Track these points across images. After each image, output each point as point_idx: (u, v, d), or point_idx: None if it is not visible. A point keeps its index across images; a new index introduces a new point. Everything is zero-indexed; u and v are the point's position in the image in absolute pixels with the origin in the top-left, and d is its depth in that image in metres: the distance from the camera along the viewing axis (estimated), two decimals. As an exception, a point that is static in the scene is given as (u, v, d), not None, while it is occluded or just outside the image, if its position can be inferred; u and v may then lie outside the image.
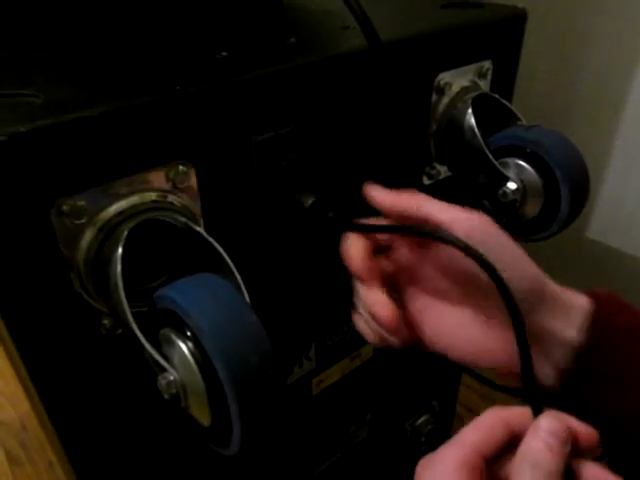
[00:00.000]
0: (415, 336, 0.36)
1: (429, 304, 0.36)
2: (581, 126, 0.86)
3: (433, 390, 0.71)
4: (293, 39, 0.41)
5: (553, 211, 0.44)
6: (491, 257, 0.29)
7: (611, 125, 0.83)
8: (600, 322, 0.31)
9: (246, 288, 0.32)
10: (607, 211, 0.89)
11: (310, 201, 0.38)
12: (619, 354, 0.31)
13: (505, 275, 0.29)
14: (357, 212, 0.44)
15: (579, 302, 0.33)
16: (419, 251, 0.35)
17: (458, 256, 0.30)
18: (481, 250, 0.29)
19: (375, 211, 0.36)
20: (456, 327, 0.35)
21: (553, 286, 0.33)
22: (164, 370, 0.28)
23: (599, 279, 0.94)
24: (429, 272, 0.35)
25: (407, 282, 0.37)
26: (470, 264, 0.30)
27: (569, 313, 0.32)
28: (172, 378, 0.28)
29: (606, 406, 0.32)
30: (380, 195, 0.34)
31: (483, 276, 0.29)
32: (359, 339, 0.54)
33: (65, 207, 0.29)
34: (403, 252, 0.36)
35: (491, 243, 0.30)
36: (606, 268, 0.93)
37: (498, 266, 0.29)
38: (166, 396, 0.28)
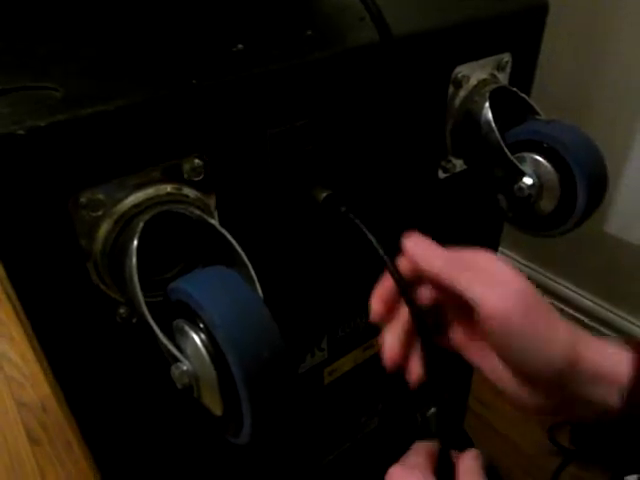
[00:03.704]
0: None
1: (474, 352, 0.36)
2: (602, 120, 0.85)
3: (446, 382, 0.71)
4: (310, 32, 0.40)
5: (569, 207, 0.44)
6: (519, 339, 0.30)
7: (632, 119, 0.82)
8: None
9: (259, 280, 0.32)
10: (626, 206, 0.88)
11: (323, 195, 0.38)
12: None
13: (536, 355, 0.30)
14: (370, 207, 0.44)
15: (620, 370, 0.31)
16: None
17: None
18: (509, 333, 0.30)
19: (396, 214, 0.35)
20: (495, 375, 0.34)
21: (592, 352, 0.31)
22: (177, 360, 0.29)
23: (617, 275, 0.93)
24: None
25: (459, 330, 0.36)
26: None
27: (610, 383, 0.31)
28: (185, 368, 0.29)
29: None
30: (417, 253, 0.33)
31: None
32: (371, 330, 0.55)
33: (83, 199, 0.29)
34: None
35: (520, 325, 0.30)
36: (624, 264, 0.91)
37: (527, 347, 0.30)
38: (179, 385, 0.29)
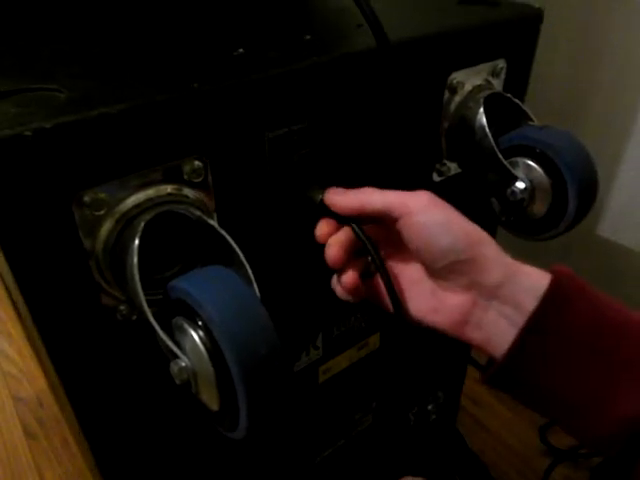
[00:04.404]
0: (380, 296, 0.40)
1: (396, 268, 0.40)
2: (595, 124, 0.86)
3: (439, 381, 0.72)
4: (308, 36, 0.41)
5: (560, 211, 0.45)
6: (431, 226, 0.35)
7: (625, 124, 0.83)
8: (556, 293, 0.32)
9: (256, 280, 0.33)
10: (619, 209, 0.89)
11: (320, 197, 0.39)
12: (568, 331, 0.32)
13: (442, 239, 0.35)
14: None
15: (534, 273, 0.34)
16: (384, 230, 0.39)
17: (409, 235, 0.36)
18: (423, 222, 0.35)
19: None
20: (414, 285, 0.38)
21: (503, 256, 0.35)
22: (176, 357, 0.30)
23: (609, 277, 0.94)
24: (394, 245, 0.39)
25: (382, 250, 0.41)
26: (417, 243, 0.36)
27: (524, 281, 0.34)
28: (184, 365, 0.29)
29: (543, 384, 0.33)
30: (333, 201, 0.38)
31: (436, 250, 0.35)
32: (366, 329, 0.56)
33: (86, 199, 0.30)
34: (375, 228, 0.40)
35: (431, 214, 0.35)
36: (616, 266, 0.93)
37: (435, 232, 0.35)
38: (177, 381, 0.30)
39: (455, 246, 0.34)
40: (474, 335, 0.36)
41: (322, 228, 0.39)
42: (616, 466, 0.32)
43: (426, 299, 0.38)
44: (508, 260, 0.35)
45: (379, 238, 0.40)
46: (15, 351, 1.06)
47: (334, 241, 0.38)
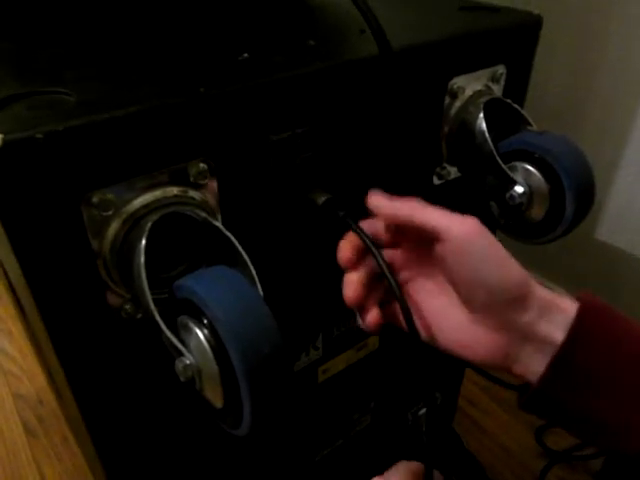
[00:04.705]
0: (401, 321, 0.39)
1: (424, 296, 0.39)
2: (593, 129, 0.87)
3: (436, 382, 0.73)
4: (312, 42, 0.42)
5: (558, 215, 0.46)
6: (479, 258, 0.33)
7: (623, 128, 0.84)
8: (582, 326, 0.33)
9: (260, 280, 0.34)
10: (616, 213, 0.90)
11: (322, 199, 0.40)
12: (595, 358, 0.33)
13: (492, 275, 0.33)
14: (368, 211, 0.45)
15: (566, 305, 0.34)
16: (419, 250, 0.38)
17: (453, 262, 0.34)
18: (470, 252, 0.33)
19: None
20: (444, 314, 0.37)
21: (541, 290, 0.35)
22: (181, 354, 0.30)
23: (607, 280, 0.95)
24: (427, 270, 0.38)
25: (410, 275, 0.40)
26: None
27: (557, 316, 0.34)
28: (188, 362, 0.30)
29: (574, 407, 0.33)
30: (380, 204, 0.37)
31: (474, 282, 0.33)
32: (365, 332, 0.56)
33: (94, 199, 0.31)
34: (406, 249, 0.39)
35: (480, 246, 0.34)
36: (614, 270, 0.94)
37: (484, 267, 0.33)
38: (182, 378, 0.30)
39: (504, 284, 0.33)
40: (513, 368, 0.35)
41: (345, 252, 0.37)
42: (626, 473, 0.33)
43: (457, 332, 0.36)
44: (543, 296, 0.34)
45: (405, 260, 0.39)
46: (15, 349, 1.07)
47: (353, 280, 0.37)
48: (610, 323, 0.34)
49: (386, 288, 0.38)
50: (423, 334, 0.38)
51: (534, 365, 0.34)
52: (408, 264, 0.39)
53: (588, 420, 0.33)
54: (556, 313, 0.34)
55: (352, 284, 0.37)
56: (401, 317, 0.36)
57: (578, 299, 0.34)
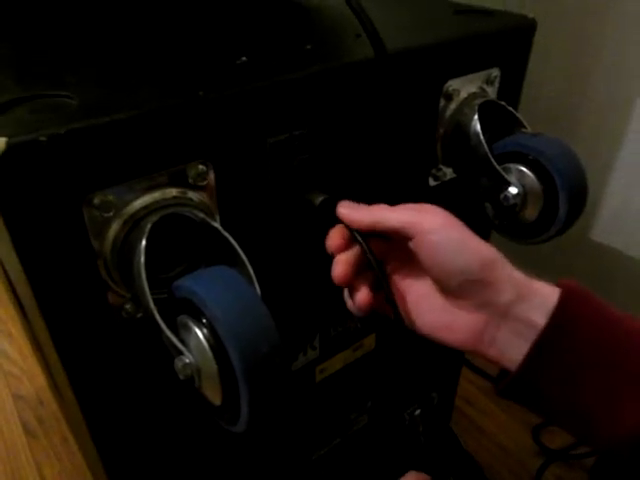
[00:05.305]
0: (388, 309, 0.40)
1: (406, 284, 0.40)
2: (588, 129, 0.88)
3: (433, 382, 0.74)
4: (309, 46, 0.43)
5: (551, 216, 0.46)
6: (443, 247, 0.35)
7: (617, 130, 0.85)
8: (564, 311, 0.33)
9: (258, 280, 0.34)
10: (611, 214, 0.91)
11: (319, 200, 0.40)
12: (577, 345, 0.33)
13: (455, 260, 0.35)
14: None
15: (547, 291, 0.35)
16: (393, 242, 0.40)
17: (423, 253, 0.36)
18: (435, 242, 0.35)
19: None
20: (424, 299, 0.39)
21: (517, 274, 0.36)
22: (180, 353, 0.31)
23: (602, 280, 0.95)
24: (406, 258, 0.40)
25: (394, 264, 0.41)
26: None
27: (536, 299, 0.35)
28: (188, 361, 0.31)
29: (553, 395, 0.34)
30: (349, 215, 0.38)
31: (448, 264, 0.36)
32: (362, 331, 0.57)
33: (95, 201, 0.31)
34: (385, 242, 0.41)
35: (443, 236, 0.36)
36: (608, 268, 0.94)
37: (448, 253, 0.35)
38: (181, 377, 0.31)
39: (469, 267, 0.35)
40: (488, 351, 0.36)
41: (334, 239, 0.39)
42: (617, 467, 0.33)
43: (437, 315, 0.38)
44: (520, 278, 0.36)
45: (388, 251, 0.40)
46: (15, 350, 1.07)
47: (342, 260, 0.38)
48: (592, 309, 0.34)
49: (375, 277, 0.40)
50: (406, 320, 0.39)
51: (511, 349, 0.35)
52: (391, 254, 0.41)
53: (570, 408, 0.34)
54: (535, 297, 0.35)
55: (340, 263, 0.38)
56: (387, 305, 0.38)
57: (559, 285, 0.35)
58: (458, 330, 0.37)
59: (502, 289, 0.35)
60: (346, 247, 0.39)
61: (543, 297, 0.34)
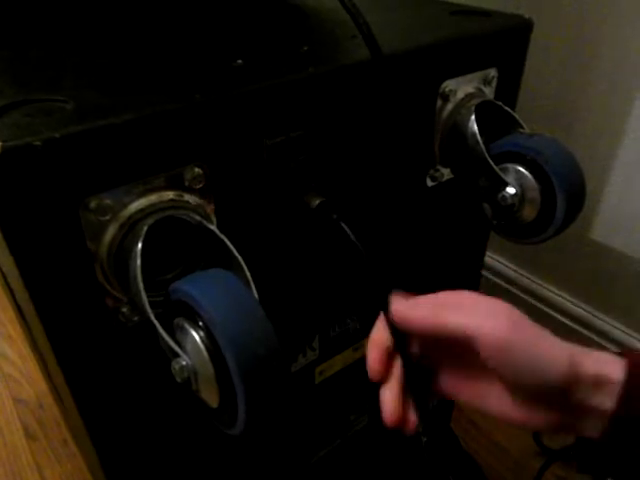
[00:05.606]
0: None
1: (464, 378, 0.37)
2: (587, 130, 0.88)
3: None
4: (305, 47, 0.43)
5: (549, 216, 0.46)
6: (518, 358, 0.31)
7: (616, 129, 0.85)
8: (633, 389, 0.32)
9: (255, 283, 0.34)
10: (610, 214, 0.91)
11: (316, 202, 0.40)
12: None
13: (535, 374, 0.31)
14: (362, 213, 0.46)
15: (614, 375, 0.33)
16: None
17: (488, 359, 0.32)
18: (507, 351, 0.31)
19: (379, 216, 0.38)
20: (490, 398, 0.36)
21: (588, 366, 0.33)
22: (177, 356, 0.31)
23: (600, 279, 0.95)
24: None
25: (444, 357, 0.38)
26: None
27: (607, 387, 0.33)
28: (184, 363, 0.31)
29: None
30: (407, 315, 0.35)
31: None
32: (361, 332, 0.57)
33: (92, 204, 0.31)
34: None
35: (517, 344, 0.32)
36: (607, 268, 0.94)
37: (526, 366, 0.31)
38: (178, 379, 0.31)
39: (550, 382, 0.32)
40: (567, 433, 0.34)
41: (373, 363, 0.36)
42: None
43: (505, 411, 0.35)
44: (590, 371, 0.33)
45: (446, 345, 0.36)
46: (16, 353, 1.07)
47: (389, 399, 0.35)
48: None
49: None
50: (470, 406, 0.37)
51: (589, 429, 0.33)
52: (440, 344, 0.36)
53: None
54: (606, 385, 0.33)
55: (389, 404, 0.35)
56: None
57: (626, 356, 0.33)
58: (533, 423, 0.34)
59: (577, 390, 0.32)
60: (387, 370, 0.36)
61: (613, 383, 0.32)
